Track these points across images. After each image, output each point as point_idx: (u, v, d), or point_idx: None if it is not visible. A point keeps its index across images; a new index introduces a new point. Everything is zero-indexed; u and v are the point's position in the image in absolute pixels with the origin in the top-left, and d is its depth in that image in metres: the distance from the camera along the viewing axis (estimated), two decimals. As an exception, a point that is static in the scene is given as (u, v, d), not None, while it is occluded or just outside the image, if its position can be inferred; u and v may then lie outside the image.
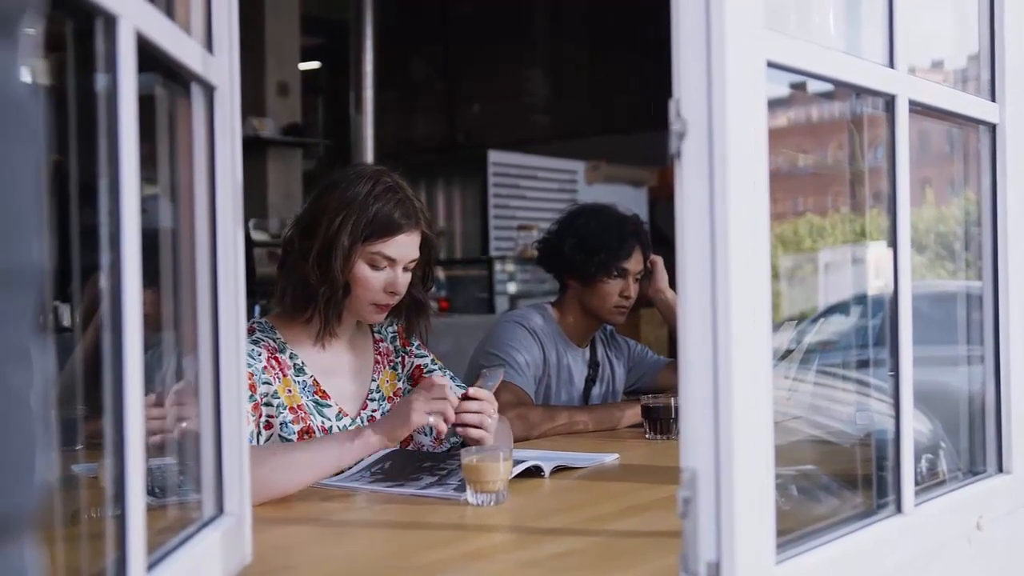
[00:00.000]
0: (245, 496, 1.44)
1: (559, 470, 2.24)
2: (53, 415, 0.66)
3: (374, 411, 2.40)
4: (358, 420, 2.36)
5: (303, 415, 2.26)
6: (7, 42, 0.61)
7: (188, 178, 1.39)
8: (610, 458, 2.42)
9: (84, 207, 1.09)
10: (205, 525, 1.36)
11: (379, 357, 2.47)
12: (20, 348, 0.60)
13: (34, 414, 0.61)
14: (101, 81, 1.06)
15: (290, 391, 2.26)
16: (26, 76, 0.63)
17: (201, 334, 1.40)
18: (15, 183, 0.61)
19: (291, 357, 2.31)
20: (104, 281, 1.04)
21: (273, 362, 2.26)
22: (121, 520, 1.04)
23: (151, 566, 1.12)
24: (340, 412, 2.33)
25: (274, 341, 2.30)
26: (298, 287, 2.29)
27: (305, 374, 2.31)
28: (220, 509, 1.41)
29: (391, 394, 2.46)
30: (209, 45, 1.39)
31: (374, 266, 2.28)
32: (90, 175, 1.06)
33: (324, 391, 2.33)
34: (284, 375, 2.27)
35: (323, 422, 2.29)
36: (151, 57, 1.16)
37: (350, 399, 2.38)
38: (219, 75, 1.41)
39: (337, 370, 2.38)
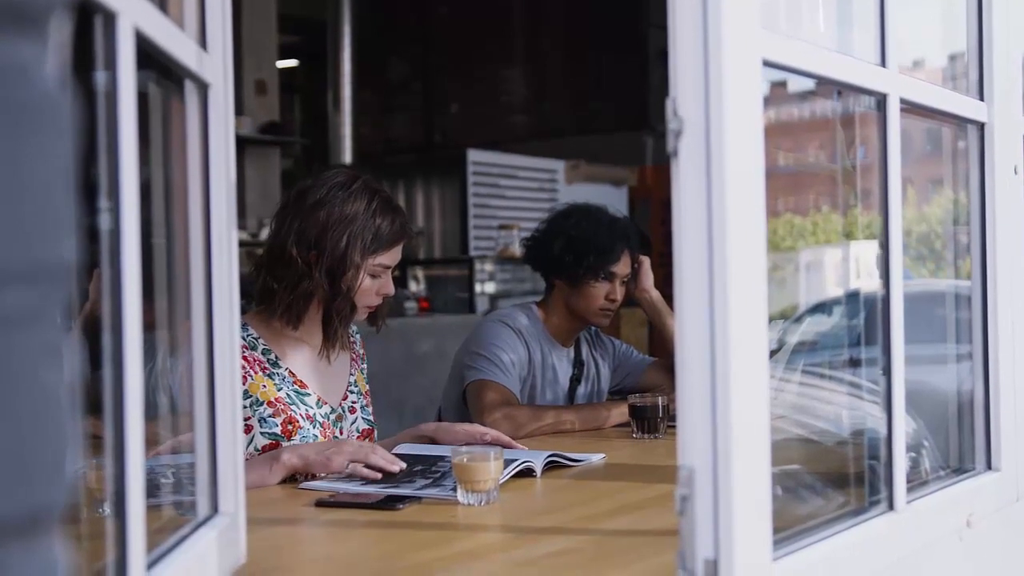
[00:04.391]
0: (240, 496, 1.43)
1: (551, 468, 2.25)
2: (80, 412, 0.66)
3: (353, 402, 2.50)
4: (339, 408, 2.45)
5: (283, 406, 2.32)
6: (37, 39, 0.61)
7: (182, 176, 1.38)
8: (597, 458, 2.42)
9: (78, 205, 1.08)
10: (201, 525, 1.35)
11: (353, 355, 2.57)
12: (52, 346, 0.60)
13: (65, 411, 0.61)
14: (99, 78, 1.05)
15: (265, 386, 2.32)
16: (56, 72, 0.63)
17: (195, 334, 1.39)
18: (47, 180, 0.60)
19: (264, 353, 2.37)
20: (104, 279, 1.03)
21: (242, 360, 2.30)
22: (121, 520, 1.03)
23: (150, 565, 1.11)
24: (320, 400, 2.40)
25: (245, 339, 2.34)
26: (303, 300, 2.34)
27: (281, 367, 2.37)
28: (215, 509, 1.40)
29: (365, 390, 2.56)
30: (203, 43, 1.39)
31: (373, 276, 2.38)
32: (87, 172, 1.05)
33: (302, 381, 2.39)
34: (256, 372, 2.32)
35: (306, 410, 2.36)
36: (146, 54, 1.15)
37: (330, 390, 2.45)
38: (213, 73, 1.40)
39: (315, 363, 2.44)
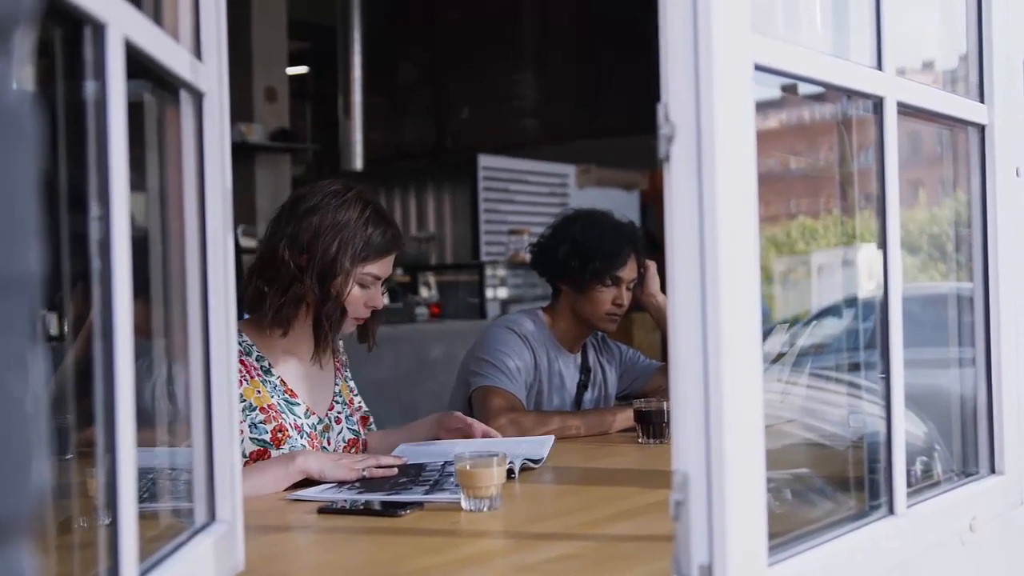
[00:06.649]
0: (237, 503, 1.43)
1: (524, 470, 2.28)
2: (48, 421, 0.67)
3: (339, 413, 2.53)
4: (326, 419, 2.47)
5: (274, 414, 2.35)
6: (2, 53, 0.61)
7: (177, 185, 1.39)
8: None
9: (72, 214, 1.08)
10: (197, 532, 1.36)
11: (338, 365, 2.59)
12: (18, 355, 0.61)
13: (31, 420, 0.62)
14: (90, 88, 1.05)
15: (259, 392, 2.35)
16: (21, 84, 0.64)
17: (192, 342, 1.40)
18: (12, 190, 0.61)
19: (258, 360, 2.39)
20: (94, 289, 1.04)
21: (239, 365, 2.32)
22: (113, 528, 1.03)
23: (146, 572, 1.11)
24: (308, 410, 2.43)
25: (240, 345, 2.36)
26: (293, 304, 2.36)
27: (273, 375, 2.40)
28: (212, 516, 1.40)
29: (348, 399, 2.58)
30: (198, 52, 1.39)
31: (362, 286, 2.40)
32: (78, 182, 1.06)
33: (292, 390, 2.42)
34: (252, 376, 2.36)
35: (294, 420, 2.38)
36: (139, 64, 1.16)
37: (316, 400, 2.48)
38: (208, 81, 1.40)
39: (303, 374, 2.47)
